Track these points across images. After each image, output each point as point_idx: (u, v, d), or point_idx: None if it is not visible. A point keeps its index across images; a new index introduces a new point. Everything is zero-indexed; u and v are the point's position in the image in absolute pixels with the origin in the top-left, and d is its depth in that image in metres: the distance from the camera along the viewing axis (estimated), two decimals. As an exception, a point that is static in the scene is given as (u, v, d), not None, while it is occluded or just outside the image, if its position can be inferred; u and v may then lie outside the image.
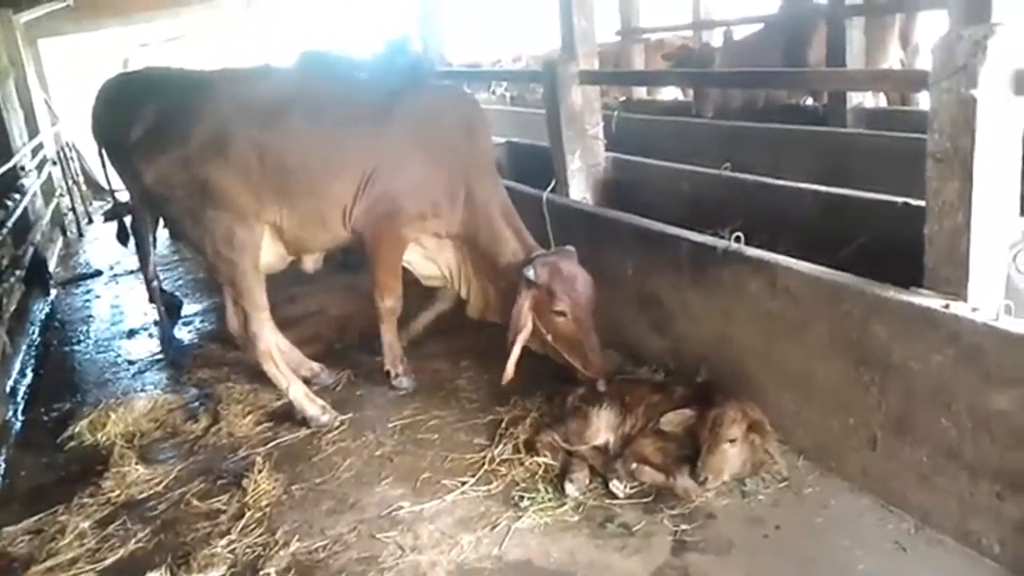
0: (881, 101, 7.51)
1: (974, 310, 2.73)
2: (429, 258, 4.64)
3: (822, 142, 6.05)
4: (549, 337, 4.01)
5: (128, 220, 6.50)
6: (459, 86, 4.80)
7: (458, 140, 4.38)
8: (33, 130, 10.35)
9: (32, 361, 5.80)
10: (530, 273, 3.93)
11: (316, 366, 4.76)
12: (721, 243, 3.78)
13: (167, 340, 5.51)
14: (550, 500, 3.35)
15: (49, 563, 3.37)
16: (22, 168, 8.29)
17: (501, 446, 3.75)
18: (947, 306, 2.78)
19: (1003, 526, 2.70)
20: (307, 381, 4.54)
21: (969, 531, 2.81)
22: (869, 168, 5.29)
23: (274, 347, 4.40)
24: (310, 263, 4.71)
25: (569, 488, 3.37)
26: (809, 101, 7.93)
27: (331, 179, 4.25)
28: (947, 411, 2.81)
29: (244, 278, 4.24)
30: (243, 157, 4.07)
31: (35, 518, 3.70)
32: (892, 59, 7.29)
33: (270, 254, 4.45)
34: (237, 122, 4.09)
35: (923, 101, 7.02)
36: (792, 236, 4.20)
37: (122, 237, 6.56)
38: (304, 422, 4.26)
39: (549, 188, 5.01)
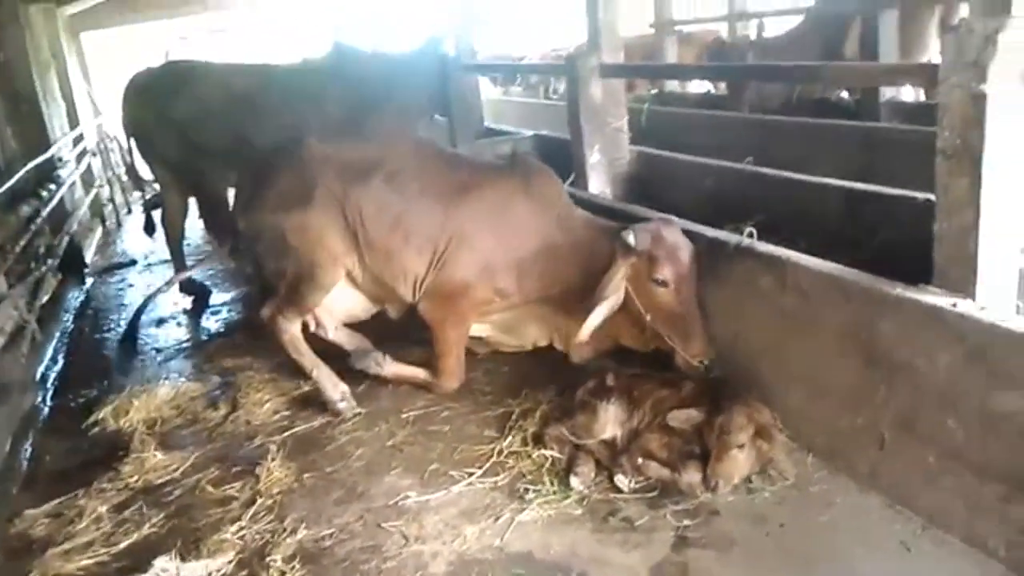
0: (921, 95, 7.40)
1: (982, 309, 2.68)
2: (504, 327, 4.42)
3: (853, 137, 5.96)
4: (648, 316, 3.76)
5: (156, 213, 6.66)
6: (533, 158, 4.64)
7: (534, 218, 4.14)
8: (74, 121, 10.59)
9: (64, 348, 5.95)
10: (630, 238, 3.66)
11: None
12: (734, 238, 3.74)
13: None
14: (555, 493, 3.35)
15: (66, 546, 3.44)
16: (59, 159, 8.49)
17: (510, 438, 3.76)
18: (955, 305, 2.73)
19: (1009, 528, 2.65)
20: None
21: (975, 532, 2.76)
22: (901, 163, 5.20)
23: (297, 335, 4.39)
24: (393, 311, 4.56)
25: (574, 481, 3.37)
26: (845, 95, 7.82)
27: (403, 248, 4.15)
28: (954, 412, 2.76)
29: (304, 303, 4.29)
30: (328, 208, 4.12)
31: (56, 501, 3.79)
32: (932, 51, 7.14)
33: (355, 303, 4.49)
34: (323, 178, 4.14)
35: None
36: (816, 232, 4.16)
37: (148, 229, 6.71)
38: (324, 405, 4.32)
39: (568, 182, 5.01)
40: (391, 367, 4.40)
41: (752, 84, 7.74)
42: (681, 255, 3.74)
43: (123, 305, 7.10)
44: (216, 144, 6.14)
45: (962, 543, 2.80)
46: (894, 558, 2.81)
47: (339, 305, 4.46)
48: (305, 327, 4.46)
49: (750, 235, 3.67)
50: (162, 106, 6.00)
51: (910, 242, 3.49)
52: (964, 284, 2.78)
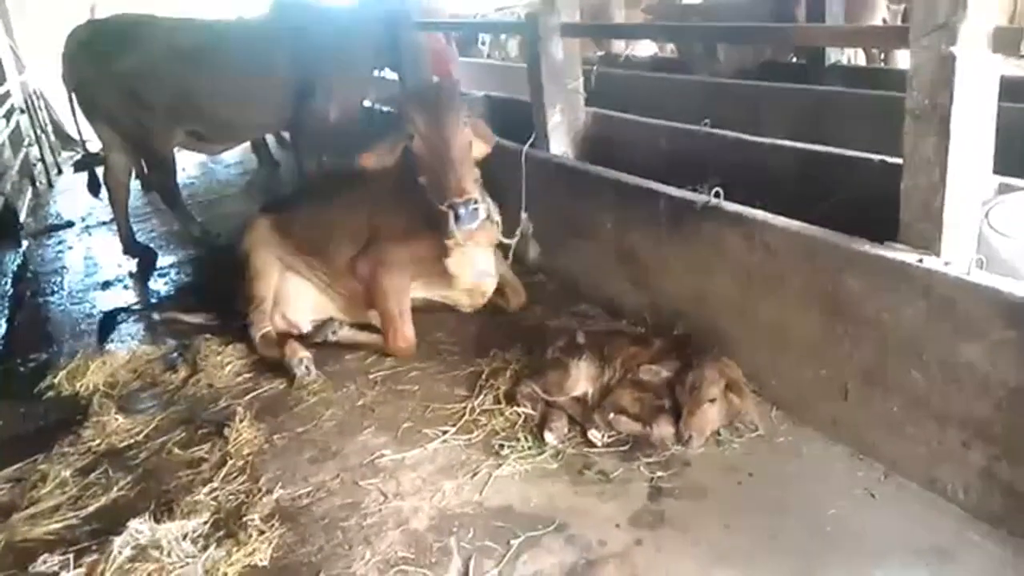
0: (860, 59, 7.59)
1: (947, 264, 2.79)
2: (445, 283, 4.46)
3: (800, 99, 6.07)
4: (423, 179, 3.91)
5: (100, 170, 6.44)
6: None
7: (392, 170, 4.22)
8: (-1, 78, 10.13)
9: (5, 312, 5.75)
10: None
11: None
12: (701, 198, 3.80)
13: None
14: (530, 449, 3.40)
15: (31, 510, 3.38)
16: (-12, 117, 8.12)
17: (481, 397, 3.79)
18: (921, 260, 2.83)
19: (968, 473, 2.80)
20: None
21: (936, 478, 2.91)
22: (845, 125, 5.33)
23: (265, 336, 4.53)
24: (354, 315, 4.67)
25: (548, 437, 3.43)
26: (793, 60, 7.96)
27: (336, 243, 4.50)
28: (918, 362, 2.88)
29: (254, 293, 4.60)
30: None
31: (15, 467, 3.70)
32: (879, 16, 7.32)
33: (318, 302, 4.67)
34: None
35: (901, 59, 7.10)
36: (770, 192, 4.24)
37: (93, 188, 6.49)
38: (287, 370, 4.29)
39: (528, 142, 5.01)
40: (345, 332, 4.51)
41: (715, 47, 7.80)
42: (427, 104, 3.88)
43: (63, 268, 6.88)
44: (163, 100, 5.97)
45: (923, 488, 2.95)
46: (859, 504, 2.94)
47: (303, 304, 4.67)
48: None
49: (716, 195, 3.74)
50: (107, 61, 5.80)
51: (865, 202, 3.63)
52: (929, 240, 2.88)
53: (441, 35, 6.95)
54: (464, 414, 3.71)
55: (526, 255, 4.18)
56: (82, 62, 5.91)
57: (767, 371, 3.56)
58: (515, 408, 3.65)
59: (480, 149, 4.17)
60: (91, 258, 7.09)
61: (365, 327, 4.59)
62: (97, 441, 3.85)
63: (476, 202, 3.76)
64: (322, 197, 4.76)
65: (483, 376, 3.97)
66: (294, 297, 4.65)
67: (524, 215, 4.40)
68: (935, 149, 2.80)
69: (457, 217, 3.73)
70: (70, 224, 8.28)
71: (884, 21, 6.96)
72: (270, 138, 9.45)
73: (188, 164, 9.93)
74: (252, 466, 3.54)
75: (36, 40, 13.24)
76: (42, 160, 10.65)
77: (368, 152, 4.01)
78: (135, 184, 6.92)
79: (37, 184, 10.20)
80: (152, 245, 6.87)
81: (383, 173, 4.17)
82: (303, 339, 4.51)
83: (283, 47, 6.29)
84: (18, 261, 6.89)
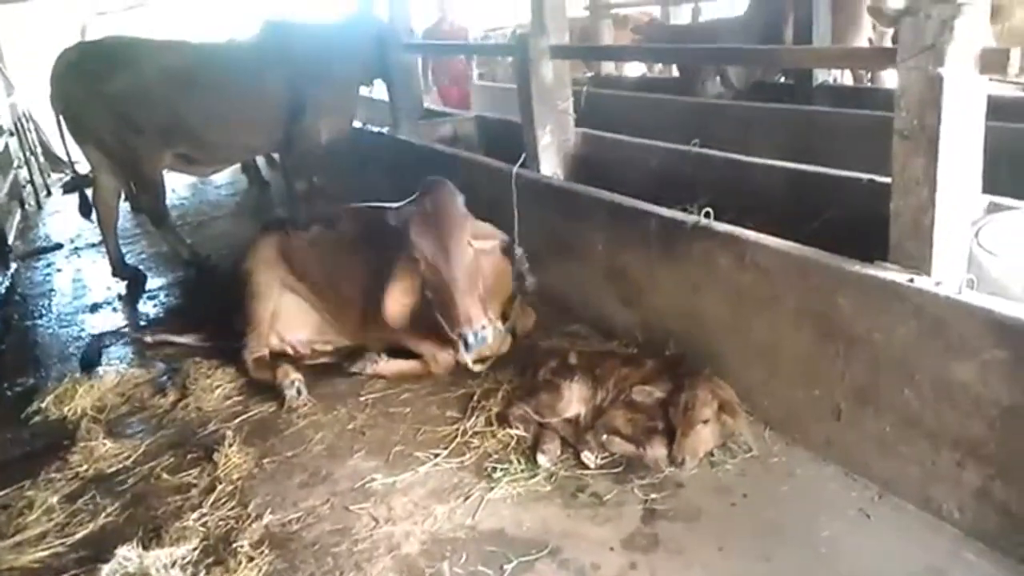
0: (847, 79, 7.64)
1: (937, 284, 2.80)
2: None
3: (788, 119, 6.11)
4: (432, 299, 3.85)
5: (89, 192, 6.42)
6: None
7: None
8: (-12, 100, 10.11)
9: (-8, 336, 5.71)
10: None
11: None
12: (691, 218, 3.81)
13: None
14: (522, 471, 3.38)
15: (17, 538, 3.33)
16: (-23, 139, 8.09)
17: (473, 419, 3.76)
18: (911, 280, 2.84)
19: (963, 492, 2.79)
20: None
21: (930, 498, 2.89)
22: (832, 145, 5.36)
23: (258, 359, 4.49)
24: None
25: (541, 459, 3.40)
26: (781, 80, 8.01)
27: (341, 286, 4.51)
28: (910, 382, 2.88)
29: (254, 314, 4.54)
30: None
31: (0, 494, 3.66)
32: (865, 37, 7.37)
33: (313, 321, 4.64)
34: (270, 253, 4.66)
35: (888, 79, 7.14)
36: (760, 212, 4.26)
37: (85, 210, 6.47)
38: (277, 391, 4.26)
39: (519, 163, 5.01)
40: (389, 364, 4.37)
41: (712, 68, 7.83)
42: (430, 224, 3.76)
43: (52, 290, 6.83)
44: (152, 122, 5.96)
45: (917, 508, 2.93)
46: (854, 524, 2.93)
47: (300, 325, 4.64)
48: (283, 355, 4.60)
49: (706, 215, 3.74)
50: (96, 82, 5.79)
51: (854, 222, 3.64)
52: (920, 260, 2.89)
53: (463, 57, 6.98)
54: (456, 436, 3.68)
55: (523, 285, 4.21)
56: (71, 83, 5.90)
57: (759, 391, 3.55)
58: (507, 430, 3.62)
59: (486, 245, 4.03)
60: (80, 280, 7.05)
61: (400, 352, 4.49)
62: (85, 467, 3.80)
63: (484, 326, 3.72)
64: (336, 231, 4.66)
65: (475, 398, 3.95)
66: (292, 317, 4.63)
67: (519, 251, 4.36)
68: (924, 169, 2.81)
69: (467, 345, 3.71)
70: (59, 246, 8.23)
71: (870, 41, 7.01)
72: (260, 159, 9.46)
73: (178, 185, 9.91)
74: (241, 491, 3.50)
75: (25, 62, 13.25)
76: (31, 182, 10.63)
77: (390, 300, 3.95)
78: (124, 206, 6.89)
79: (26, 206, 10.16)
80: (141, 267, 6.84)
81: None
82: (341, 367, 4.46)
83: (273, 67, 6.30)
84: (6, 284, 6.85)
